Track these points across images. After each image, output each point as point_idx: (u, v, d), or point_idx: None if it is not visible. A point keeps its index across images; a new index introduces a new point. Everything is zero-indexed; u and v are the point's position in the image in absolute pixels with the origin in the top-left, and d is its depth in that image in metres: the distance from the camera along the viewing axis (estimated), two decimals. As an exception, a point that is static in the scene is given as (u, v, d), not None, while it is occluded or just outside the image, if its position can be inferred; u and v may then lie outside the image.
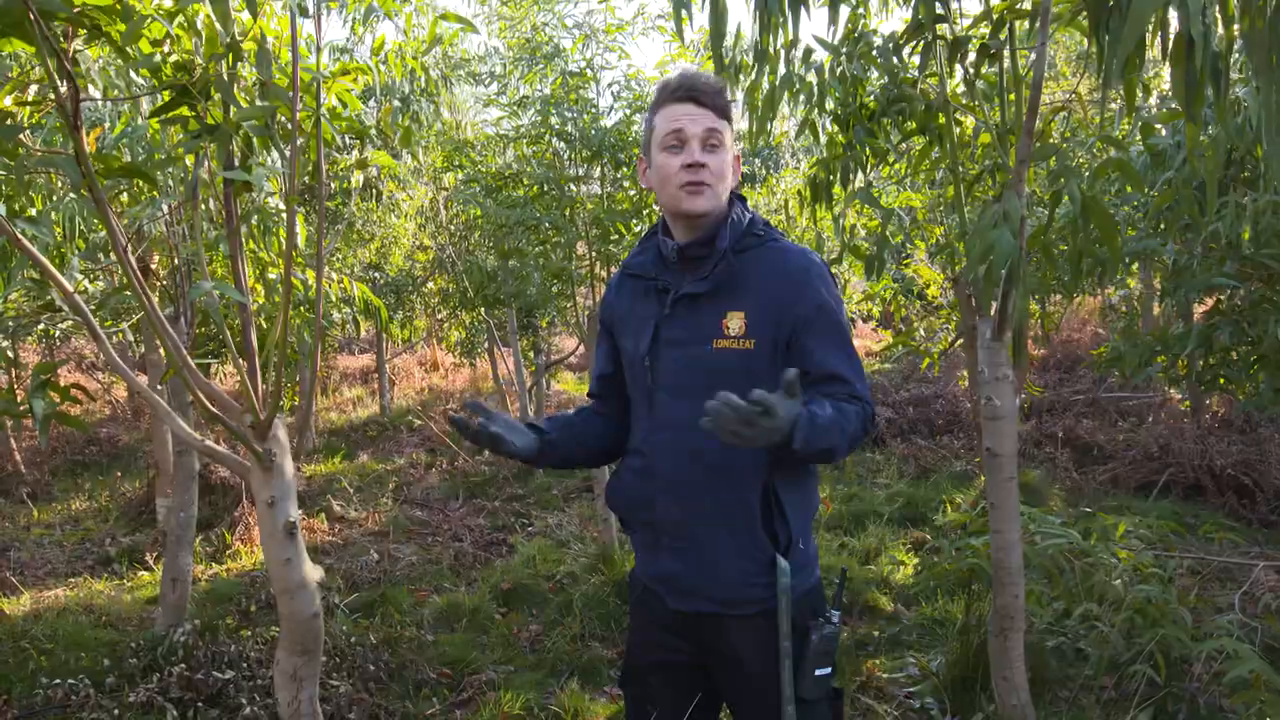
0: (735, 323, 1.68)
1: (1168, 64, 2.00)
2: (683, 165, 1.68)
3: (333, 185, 6.32)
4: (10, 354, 2.62)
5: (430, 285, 8.74)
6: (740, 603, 1.71)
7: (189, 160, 1.93)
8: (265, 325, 3.94)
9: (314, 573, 1.92)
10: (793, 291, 1.68)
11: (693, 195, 1.69)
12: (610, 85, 4.67)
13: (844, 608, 2.47)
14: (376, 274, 8.41)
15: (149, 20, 1.64)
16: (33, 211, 3.31)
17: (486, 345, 9.53)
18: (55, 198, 3.31)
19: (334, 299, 4.13)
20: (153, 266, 3.86)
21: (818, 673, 1.69)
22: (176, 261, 3.61)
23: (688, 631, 1.79)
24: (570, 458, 1.91)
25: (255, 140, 1.89)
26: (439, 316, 10.05)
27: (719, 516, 1.70)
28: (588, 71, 4.55)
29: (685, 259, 1.76)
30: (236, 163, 1.96)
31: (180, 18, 1.68)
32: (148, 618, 4.10)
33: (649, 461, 1.77)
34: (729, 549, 1.71)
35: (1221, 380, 3.66)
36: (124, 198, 3.51)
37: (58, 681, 3.26)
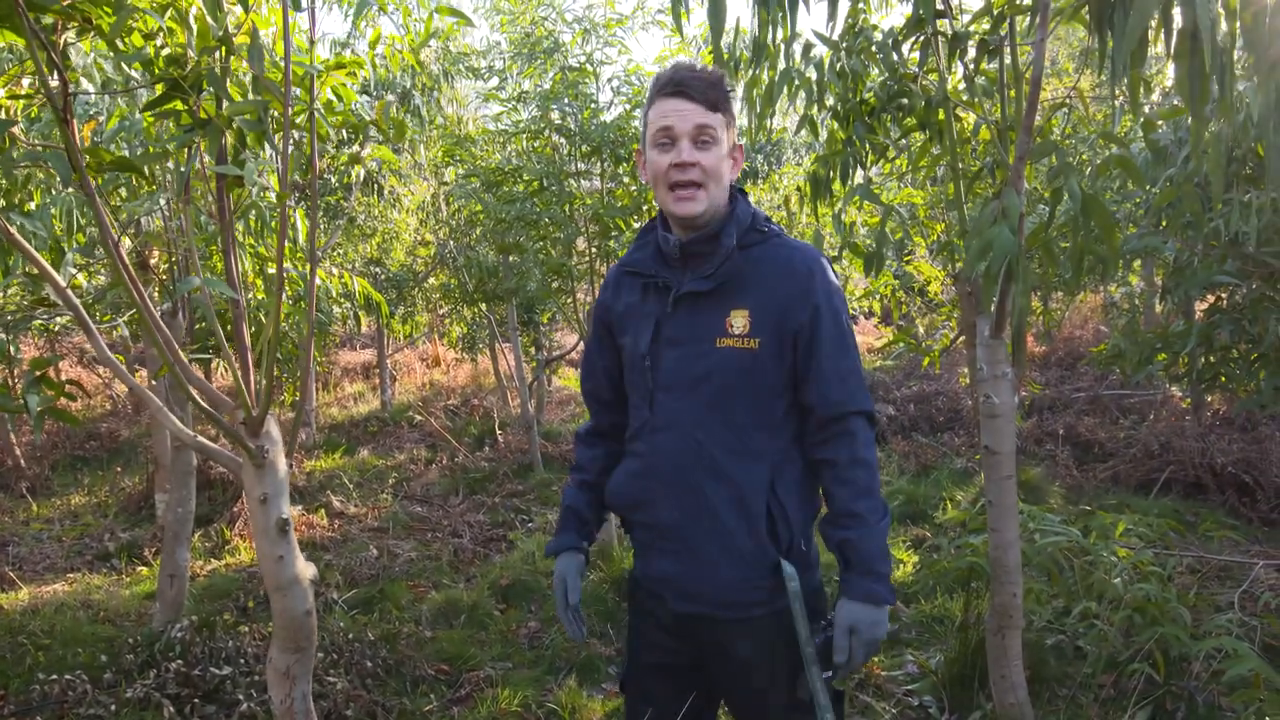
0: (739, 321, 1.65)
1: (1171, 60, 1.99)
2: (671, 165, 1.64)
3: (333, 180, 6.31)
4: (11, 349, 2.61)
5: (432, 280, 8.72)
6: (740, 605, 1.69)
7: (182, 155, 1.93)
8: (265, 321, 3.94)
9: (306, 570, 1.91)
10: (798, 292, 1.65)
11: (682, 201, 1.65)
12: (610, 80, 4.65)
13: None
14: (378, 269, 8.38)
15: (140, 13, 1.63)
16: (32, 206, 3.31)
17: (488, 341, 9.52)
18: (54, 192, 3.30)
19: (334, 294, 4.12)
20: (151, 261, 3.85)
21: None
22: (175, 256, 3.60)
23: (687, 633, 1.76)
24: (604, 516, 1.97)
25: (249, 135, 1.88)
26: (440, 312, 10.04)
27: (719, 518, 1.67)
28: (587, 66, 4.53)
29: (687, 256, 1.71)
30: (229, 158, 1.94)
31: (171, 10, 1.66)
32: (146, 613, 4.09)
33: (648, 462, 1.74)
34: (729, 551, 1.67)
35: (1222, 378, 3.65)
36: (122, 192, 3.49)
37: (54, 677, 3.26)
